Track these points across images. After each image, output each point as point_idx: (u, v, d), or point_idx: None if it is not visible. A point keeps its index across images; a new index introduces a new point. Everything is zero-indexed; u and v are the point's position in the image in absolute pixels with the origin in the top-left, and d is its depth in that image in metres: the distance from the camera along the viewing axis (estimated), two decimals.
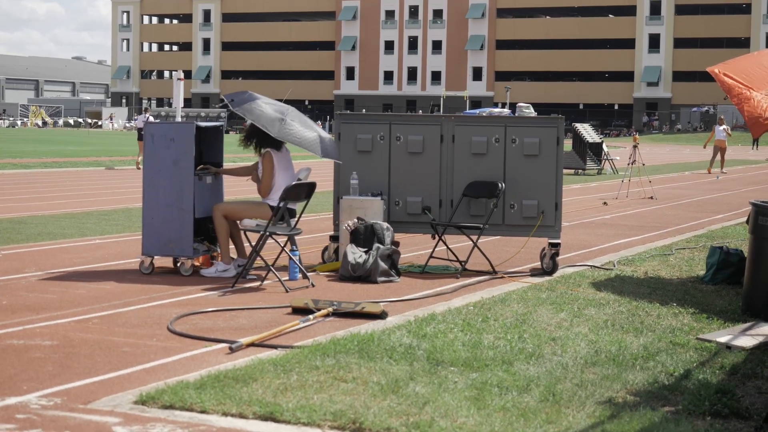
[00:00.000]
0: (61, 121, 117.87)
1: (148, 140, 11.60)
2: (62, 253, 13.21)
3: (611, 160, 39.09)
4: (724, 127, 40.46)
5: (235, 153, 25.81)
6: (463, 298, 10.27)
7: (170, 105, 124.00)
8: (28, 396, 6.39)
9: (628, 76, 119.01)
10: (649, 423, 5.91)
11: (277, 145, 11.43)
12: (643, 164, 27.20)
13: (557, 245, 12.24)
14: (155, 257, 11.62)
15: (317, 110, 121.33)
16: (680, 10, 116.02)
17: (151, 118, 36.00)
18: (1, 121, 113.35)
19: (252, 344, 7.93)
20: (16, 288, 10.41)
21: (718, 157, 39.94)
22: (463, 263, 12.08)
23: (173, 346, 7.91)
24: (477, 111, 17.82)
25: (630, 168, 26.65)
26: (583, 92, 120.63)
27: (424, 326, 8.58)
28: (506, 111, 14.68)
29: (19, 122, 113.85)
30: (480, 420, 5.90)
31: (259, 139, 11.42)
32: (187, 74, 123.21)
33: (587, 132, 38.53)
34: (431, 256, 12.30)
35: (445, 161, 12.48)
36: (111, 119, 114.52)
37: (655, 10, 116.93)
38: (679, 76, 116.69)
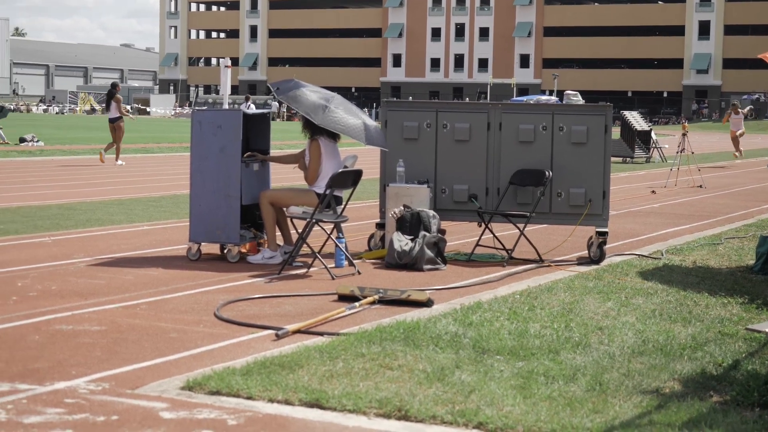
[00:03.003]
0: None
1: (195, 127, 11.64)
2: (111, 239, 13.31)
3: (660, 148, 38.83)
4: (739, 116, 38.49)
5: (281, 140, 25.85)
6: (510, 287, 10.25)
7: (217, 92, 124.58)
8: (76, 381, 6.44)
9: (677, 64, 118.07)
10: (697, 413, 5.87)
11: (332, 133, 11.43)
12: (692, 152, 26.98)
13: (605, 234, 12.17)
14: (202, 244, 11.67)
15: (363, 97, 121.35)
16: None
17: (253, 107, 36.45)
18: (51, 107, 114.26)
19: (298, 331, 7.95)
20: (65, 273, 10.50)
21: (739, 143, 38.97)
22: (509, 251, 12.06)
23: (220, 333, 7.95)
24: (524, 98, 17.79)
25: (679, 156, 26.42)
26: (631, 80, 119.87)
27: (470, 314, 8.56)
28: (554, 98, 14.66)
29: (68, 109, 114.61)
30: (526, 409, 5.88)
31: (314, 126, 11.41)
32: (234, 61, 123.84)
33: (636, 120, 38.27)
34: (477, 244, 12.27)
35: (491, 149, 12.45)
36: (189, 105, 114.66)
37: None
38: (729, 64, 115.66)
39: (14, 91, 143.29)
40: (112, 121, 29.86)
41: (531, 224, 12.32)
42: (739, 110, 38.47)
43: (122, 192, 20.60)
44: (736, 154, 38.74)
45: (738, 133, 38.57)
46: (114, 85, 31.51)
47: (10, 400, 5.97)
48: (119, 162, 29.51)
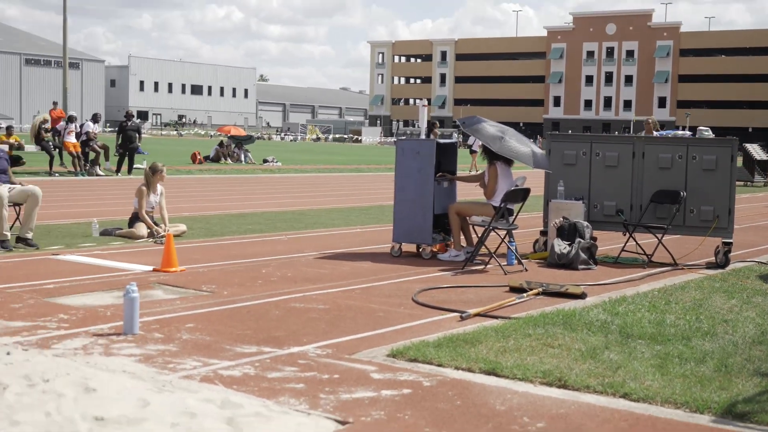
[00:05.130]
0: (330, 137, 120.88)
1: (399, 153, 11.77)
2: (332, 238, 13.57)
3: None
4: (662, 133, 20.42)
5: (465, 163, 25.80)
6: (649, 285, 9.98)
7: (413, 125, 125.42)
8: (307, 347, 6.58)
9: None
10: None
11: (506, 159, 11.40)
12: None
13: (729, 244, 11.74)
14: (402, 244, 11.78)
15: (529, 131, 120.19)
16: None
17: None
18: (286, 136, 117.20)
19: (478, 314, 7.93)
20: (298, 264, 10.76)
21: None
22: (649, 256, 11.75)
23: (416, 313, 7.99)
24: (663, 133, 17.23)
25: None
26: (752, 118, 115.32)
27: (616, 306, 8.39)
28: (688, 133, 14.19)
29: (299, 137, 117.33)
30: (663, 384, 5.73)
31: (492, 153, 11.40)
32: (427, 101, 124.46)
33: (755, 151, 36.91)
34: (623, 250, 12.01)
35: (636, 173, 12.16)
36: (392, 135, 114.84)
37: None
38: None
39: (268, 123, 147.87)
40: None
41: (667, 235, 11.98)
42: (654, 130, 19.75)
43: (341, 202, 20.97)
44: None
45: None
46: (433, 124, 31.09)
47: (258, 359, 6.16)
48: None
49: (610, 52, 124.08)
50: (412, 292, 8.95)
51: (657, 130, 15.74)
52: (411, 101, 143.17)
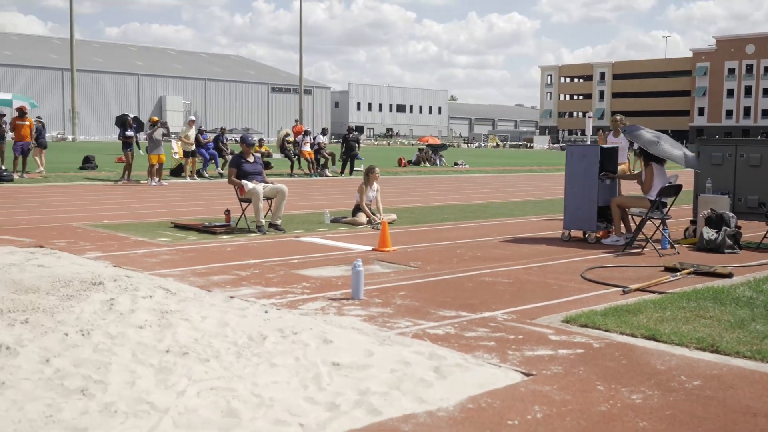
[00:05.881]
0: (507, 144, 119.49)
1: (568, 156, 11.48)
2: (512, 226, 13.41)
3: None
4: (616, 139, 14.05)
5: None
6: None
7: (576, 134, 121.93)
8: (495, 312, 6.55)
9: None
10: None
11: (660, 160, 10.91)
12: None
13: None
14: (571, 231, 11.50)
15: (676, 137, 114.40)
16: None
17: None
18: (470, 144, 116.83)
19: (638, 289, 7.63)
20: (485, 246, 10.70)
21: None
22: None
23: (585, 287, 7.78)
24: None
25: None
26: None
27: (761, 284, 7.84)
28: None
29: (482, 145, 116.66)
30: None
31: (648, 156, 10.94)
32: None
33: None
34: (765, 237, 11.21)
35: None
36: (558, 142, 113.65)
37: None
38: None
39: (460, 134, 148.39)
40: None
41: None
42: (620, 130, 13.60)
43: (517, 197, 20.70)
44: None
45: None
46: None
47: (456, 321, 6.18)
48: None
49: (749, 68, 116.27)
50: (580, 270, 8.72)
51: (624, 124, 14.33)
52: (574, 114, 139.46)
